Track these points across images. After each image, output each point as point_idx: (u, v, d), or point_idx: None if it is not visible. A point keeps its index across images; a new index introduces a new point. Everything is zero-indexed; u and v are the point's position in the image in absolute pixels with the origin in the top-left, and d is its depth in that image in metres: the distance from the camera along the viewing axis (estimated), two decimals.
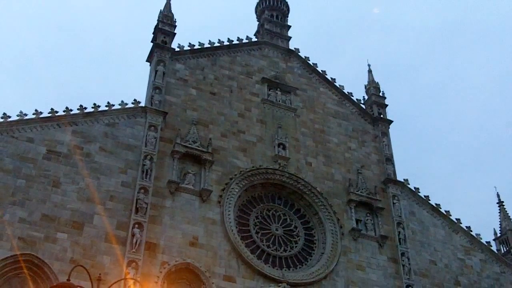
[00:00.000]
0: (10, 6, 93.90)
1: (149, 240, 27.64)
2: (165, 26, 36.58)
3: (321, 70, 40.96)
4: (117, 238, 27.01)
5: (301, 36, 72.59)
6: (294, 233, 32.73)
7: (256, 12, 45.65)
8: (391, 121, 40.32)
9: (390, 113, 40.81)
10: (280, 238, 32.10)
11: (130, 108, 31.97)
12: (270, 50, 40.58)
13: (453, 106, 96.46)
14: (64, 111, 30.12)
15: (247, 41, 39.94)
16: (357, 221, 34.16)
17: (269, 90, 37.88)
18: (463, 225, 37.35)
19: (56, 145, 28.86)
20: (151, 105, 32.43)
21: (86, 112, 30.63)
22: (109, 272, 25.58)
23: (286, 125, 36.52)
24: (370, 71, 43.26)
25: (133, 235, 27.12)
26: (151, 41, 36.12)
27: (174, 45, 36.19)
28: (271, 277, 29.43)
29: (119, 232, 27.23)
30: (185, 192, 30.31)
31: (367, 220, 34.48)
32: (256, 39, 41.23)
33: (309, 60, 41.18)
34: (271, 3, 44.53)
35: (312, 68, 40.94)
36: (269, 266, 30.21)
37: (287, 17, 44.38)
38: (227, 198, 31.18)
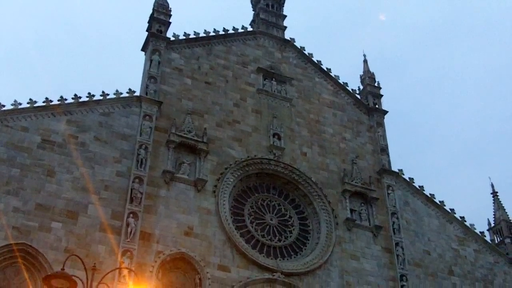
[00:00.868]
0: None
1: (144, 229, 27.64)
2: (160, 15, 36.42)
3: (317, 60, 40.88)
4: (112, 227, 26.99)
5: (297, 26, 72.30)
6: (289, 223, 32.78)
7: (251, 1, 45.42)
8: (386, 112, 40.33)
9: (385, 104, 40.90)
10: (274, 228, 32.15)
11: (125, 97, 31.87)
12: (266, 40, 40.47)
13: (448, 98, 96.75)
14: (58, 101, 29.99)
15: (242, 30, 39.80)
16: (352, 211, 34.22)
17: (265, 80, 37.81)
18: (457, 215, 37.47)
19: (50, 134, 28.78)
20: (146, 95, 32.34)
21: (80, 102, 30.51)
22: (103, 261, 25.61)
23: (281, 115, 36.48)
24: (365, 61, 43.15)
25: (127, 224, 27.12)
26: (146, 30, 35.97)
27: (169, 34, 36.07)
28: (265, 266, 29.50)
29: (113, 222, 27.21)
30: (180, 182, 30.30)
31: (361, 210, 34.56)
32: (251, 29, 41.09)
33: (304, 50, 41.09)
34: None
35: (308, 58, 40.86)
36: (263, 256, 30.27)
37: (283, 6, 44.12)
38: (222, 188, 31.18)
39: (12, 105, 28.77)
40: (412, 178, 37.55)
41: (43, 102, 29.57)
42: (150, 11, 36.57)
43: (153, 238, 27.77)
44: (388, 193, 35.80)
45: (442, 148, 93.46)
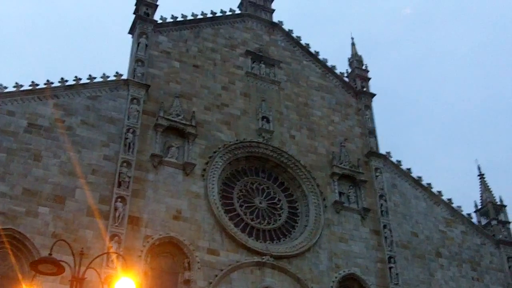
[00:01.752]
0: None
1: (132, 214, 27.53)
2: None
3: (305, 43, 40.73)
4: (100, 212, 26.85)
5: (285, 8, 71.92)
6: (278, 206, 32.82)
7: None
8: (374, 95, 40.36)
9: (373, 87, 40.90)
10: (264, 211, 32.18)
11: (112, 81, 31.59)
12: (254, 23, 40.22)
13: (434, 80, 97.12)
14: (45, 84, 29.65)
15: (230, 13, 39.52)
16: (340, 194, 34.31)
17: (253, 63, 37.63)
18: (444, 197, 37.69)
19: (37, 118, 28.50)
20: (134, 78, 32.06)
21: (67, 85, 30.20)
22: (91, 246, 25.47)
23: (270, 98, 36.38)
24: (353, 44, 43.08)
25: (115, 209, 26.98)
26: (133, 13, 35.58)
27: (157, 17, 35.75)
28: (254, 250, 29.57)
29: (101, 206, 27.07)
30: (169, 166, 30.18)
31: (349, 193, 34.67)
32: (239, 12, 40.81)
33: (292, 33, 40.90)
34: None
35: (296, 41, 40.68)
36: (253, 239, 30.31)
37: None
38: (211, 172, 31.11)
39: None
40: (400, 161, 37.69)
41: (30, 85, 29.20)
42: None
43: (141, 223, 27.68)
44: (376, 176, 35.93)
45: (429, 129, 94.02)
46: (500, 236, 37.73)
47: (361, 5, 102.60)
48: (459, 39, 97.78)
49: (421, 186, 37.44)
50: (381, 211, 34.48)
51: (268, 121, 35.00)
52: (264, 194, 32.90)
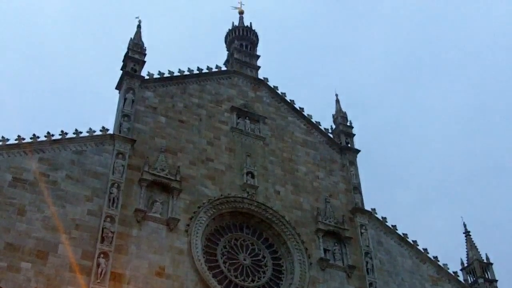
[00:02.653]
0: None
1: (114, 270, 27.14)
2: (135, 54, 36.57)
3: (290, 100, 41.29)
4: (82, 268, 26.47)
5: (270, 65, 73.05)
6: (262, 263, 32.53)
7: (226, 41, 46.09)
8: (358, 151, 40.67)
9: (357, 143, 41.26)
10: (248, 268, 31.86)
11: (98, 135, 31.70)
12: (240, 79, 40.80)
13: (418, 136, 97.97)
14: (31, 138, 29.71)
15: (216, 70, 40.16)
16: (325, 250, 34.08)
17: (238, 119, 37.98)
18: (431, 255, 37.48)
19: (22, 172, 28.39)
20: (120, 133, 32.19)
21: (53, 140, 30.25)
22: None
23: (254, 154, 36.55)
24: (337, 101, 43.81)
25: (98, 265, 26.65)
26: (121, 69, 36.04)
27: (144, 73, 36.20)
28: None
29: (84, 262, 26.69)
30: (152, 221, 29.97)
31: (335, 249, 34.46)
32: (225, 68, 41.42)
33: (277, 90, 41.51)
34: (241, 33, 45.15)
35: (281, 97, 41.24)
36: None
37: (257, 47, 45.07)
38: (195, 227, 30.90)
39: None
40: (385, 218, 37.65)
41: (15, 140, 29.25)
42: (125, 50, 36.68)
43: (123, 279, 27.27)
44: (361, 233, 35.80)
45: (414, 187, 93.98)
46: None
47: (345, 62, 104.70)
48: (443, 96, 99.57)
49: (407, 243, 37.29)
50: (367, 269, 34.21)
51: (253, 176, 35.07)
52: (249, 250, 32.62)
